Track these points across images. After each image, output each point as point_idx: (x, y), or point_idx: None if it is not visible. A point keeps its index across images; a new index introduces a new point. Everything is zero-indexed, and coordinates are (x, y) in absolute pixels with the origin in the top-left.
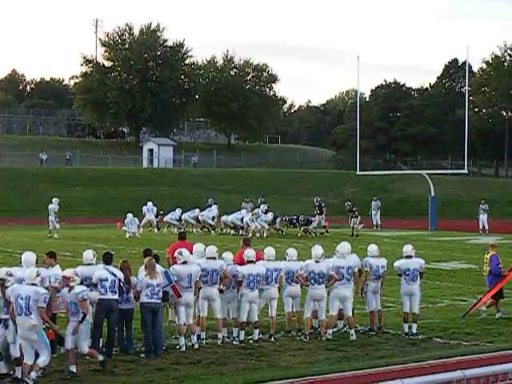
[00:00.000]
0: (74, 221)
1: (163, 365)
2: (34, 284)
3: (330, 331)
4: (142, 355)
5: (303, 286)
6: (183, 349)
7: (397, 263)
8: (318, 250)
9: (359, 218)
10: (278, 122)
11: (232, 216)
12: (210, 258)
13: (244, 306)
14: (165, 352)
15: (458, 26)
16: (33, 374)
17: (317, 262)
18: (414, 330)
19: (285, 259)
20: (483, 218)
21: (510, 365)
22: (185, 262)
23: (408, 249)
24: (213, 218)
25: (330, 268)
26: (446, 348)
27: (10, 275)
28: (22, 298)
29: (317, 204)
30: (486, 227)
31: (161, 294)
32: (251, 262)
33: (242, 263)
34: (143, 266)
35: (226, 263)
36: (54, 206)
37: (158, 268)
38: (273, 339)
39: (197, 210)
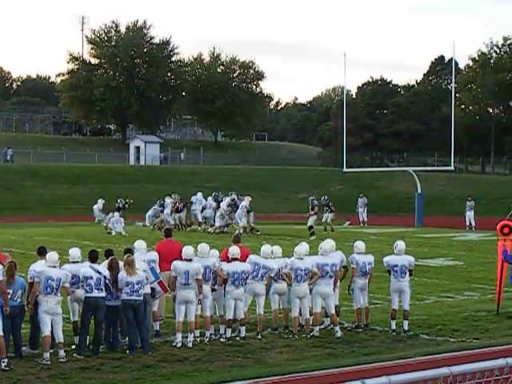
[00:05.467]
0: (61, 218)
1: (150, 362)
2: (54, 267)
3: (317, 328)
4: (128, 352)
5: (288, 284)
6: (178, 345)
7: (386, 258)
8: (301, 247)
9: (333, 213)
10: (265, 119)
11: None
12: (202, 256)
13: (229, 304)
14: (152, 349)
15: (445, 23)
16: (62, 353)
17: (300, 258)
18: (406, 327)
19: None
20: (470, 214)
21: (497, 361)
22: (189, 260)
23: (401, 246)
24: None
25: (313, 264)
26: (433, 345)
27: None
28: (52, 280)
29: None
30: (473, 224)
31: (142, 291)
32: (236, 259)
33: (227, 260)
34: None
35: (218, 260)
36: (99, 205)
37: (144, 265)
38: (260, 336)
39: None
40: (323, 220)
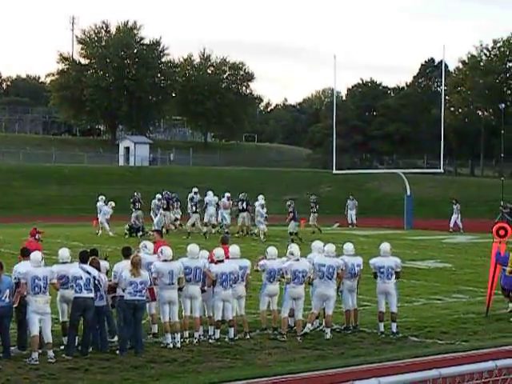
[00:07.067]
0: (50, 219)
1: (139, 363)
2: (39, 266)
3: (310, 325)
4: (118, 352)
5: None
6: (170, 346)
7: (372, 260)
8: (296, 249)
9: (316, 214)
10: (255, 121)
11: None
12: (192, 257)
13: (217, 305)
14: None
15: (435, 26)
16: (51, 353)
17: (297, 260)
18: (394, 329)
19: (265, 257)
20: (455, 217)
21: (485, 364)
22: (165, 261)
23: (386, 248)
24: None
25: (310, 266)
26: (422, 347)
27: None
28: (39, 279)
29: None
30: (460, 226)
31: (144, 291)
32: (221, 261)
33: (215, 262)
34: (126, 263)
35: (208, 262)
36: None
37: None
38: (248, 337)
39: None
40: (310, 222)
